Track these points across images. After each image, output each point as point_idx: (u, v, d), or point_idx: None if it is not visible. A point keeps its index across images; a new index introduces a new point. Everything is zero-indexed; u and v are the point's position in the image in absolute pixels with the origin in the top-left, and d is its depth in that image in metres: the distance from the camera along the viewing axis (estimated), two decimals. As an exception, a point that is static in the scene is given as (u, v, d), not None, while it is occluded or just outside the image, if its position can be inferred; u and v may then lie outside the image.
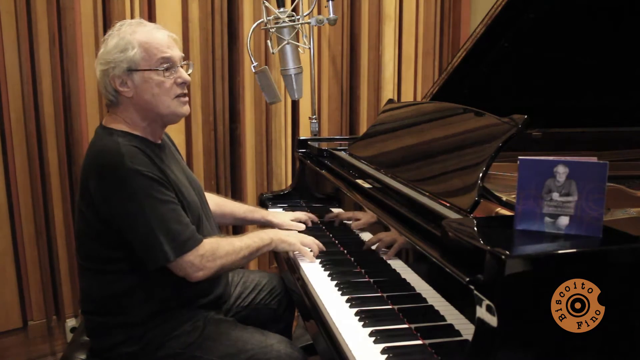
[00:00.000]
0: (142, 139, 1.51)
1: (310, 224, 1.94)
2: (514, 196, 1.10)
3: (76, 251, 1.57)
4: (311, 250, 1.66)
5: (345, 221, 1.80)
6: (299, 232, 1.83)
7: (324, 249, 1.70)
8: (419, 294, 1.27)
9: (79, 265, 1.56)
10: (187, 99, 1.55)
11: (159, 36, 1.51)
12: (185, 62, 1.56)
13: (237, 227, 2.87)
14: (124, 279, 1.47)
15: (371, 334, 1.22)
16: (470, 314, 1.01)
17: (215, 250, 1.48)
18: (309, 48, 2.49)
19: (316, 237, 1.74)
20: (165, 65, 1.49)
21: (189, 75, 1.55)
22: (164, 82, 1.49)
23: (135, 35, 1.48)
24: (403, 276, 1.36)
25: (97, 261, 1.49)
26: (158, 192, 1.42)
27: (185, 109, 1.55)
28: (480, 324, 0.97)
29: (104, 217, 1.43)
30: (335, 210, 1.91)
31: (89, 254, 1.51)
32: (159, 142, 1.58)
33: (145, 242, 1.41)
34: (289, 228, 1.86)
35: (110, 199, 1.41)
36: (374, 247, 1.54)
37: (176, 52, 1.53)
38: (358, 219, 1.67)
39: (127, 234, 1.42)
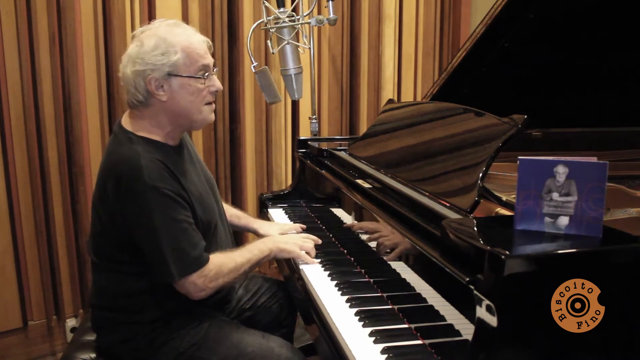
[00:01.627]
0: (162, 145, 1.48)
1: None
2: (514, 196, 1.10)
3: (90, 248, 1.56)
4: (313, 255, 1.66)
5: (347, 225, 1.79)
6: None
7: (319, 241, 1.70)
8: (419, 294, 1.27)
9: (92, 262, 1.55)
10: (214, 106, 1.55)
11: (198, 41, 1.48)
12: (216, 68, 1.55)
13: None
14: (137, 280, 1.48)
15: (371, 334, 1.22)
16: (470, 314, 1.01)
17: (218, 270, 1.47)
18: (309, 48, 2.49)
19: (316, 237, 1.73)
20: (204, 74, 1.47)
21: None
22: (201, 89, 1.48)
23: (177, 38, 1.44)
24: (403, 276, 1.35)
25: (111, 261, 1.50)
26: (172, 210, 1.41)
27: (213, 116, 1.55)
28: (480, 324, 0.97)
29: (118, 222, 1.43)
30: (335, 211, 1.91)
31: (103, 253, 1.51)
32: (178, 143, 1.56)
33: (152, 258, 1.42)
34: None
35: (125, 209, 1.41)
36: (373, 247, 1.54)
37: (211, 59, 1.51)
38: (374, 232, 1.60)
39: (138, 244, 1.42)
